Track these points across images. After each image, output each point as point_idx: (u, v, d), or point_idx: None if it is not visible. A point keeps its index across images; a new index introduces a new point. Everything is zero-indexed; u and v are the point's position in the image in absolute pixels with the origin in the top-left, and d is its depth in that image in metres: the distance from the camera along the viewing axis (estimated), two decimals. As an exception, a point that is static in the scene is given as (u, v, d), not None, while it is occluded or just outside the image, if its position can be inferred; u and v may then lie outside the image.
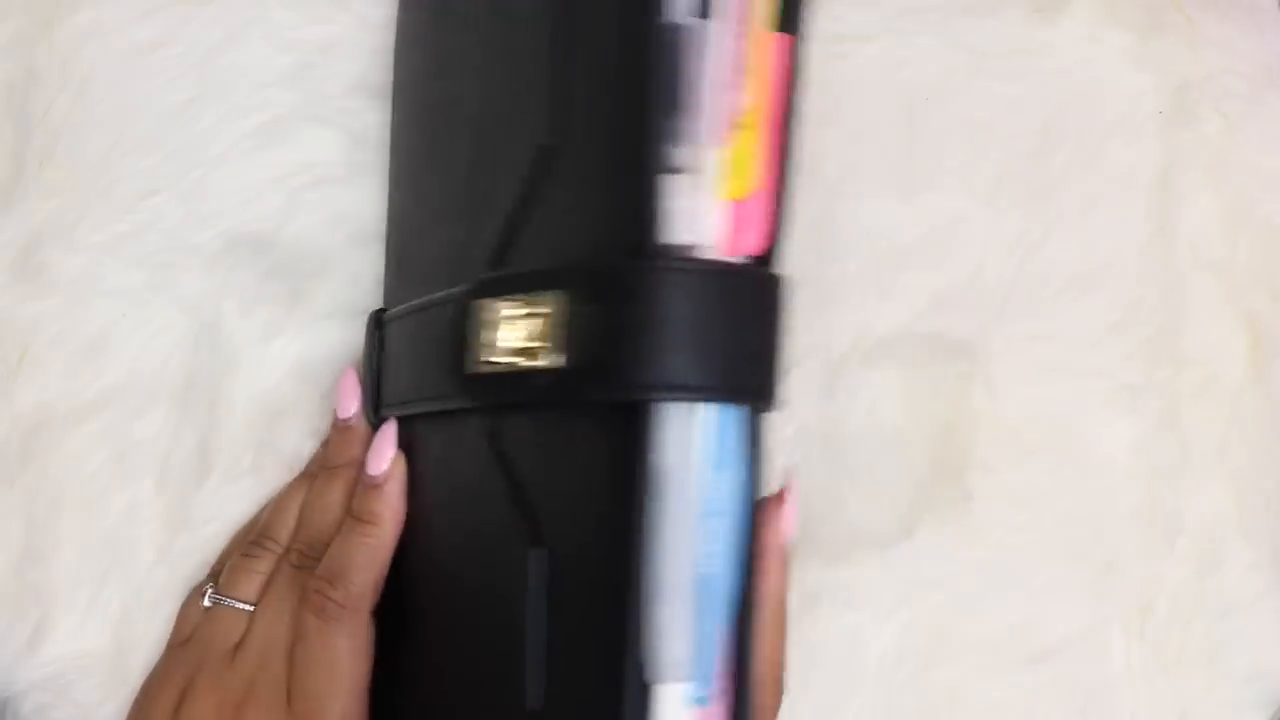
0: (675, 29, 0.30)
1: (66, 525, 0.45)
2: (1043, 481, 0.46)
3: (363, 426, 0.43)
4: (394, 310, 0.42)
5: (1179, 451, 0.47)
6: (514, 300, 0.33)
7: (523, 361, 0.33)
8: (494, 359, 0.34)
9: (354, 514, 0.40)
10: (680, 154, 0.30)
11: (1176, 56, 0.49)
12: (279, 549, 0.42)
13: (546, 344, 0.32)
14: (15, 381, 0.46)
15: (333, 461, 0.43)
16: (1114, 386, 0.47)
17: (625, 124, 0.31)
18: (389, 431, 0.41)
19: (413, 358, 0.39)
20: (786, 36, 0.32)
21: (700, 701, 0.30)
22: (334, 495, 0.41)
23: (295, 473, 0.45)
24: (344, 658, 0.38)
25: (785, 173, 0.32)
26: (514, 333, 0.33)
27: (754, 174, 0.31)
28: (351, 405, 0.43)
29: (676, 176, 0.30)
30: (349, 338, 0.46)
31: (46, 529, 0.45)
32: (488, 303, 0.34)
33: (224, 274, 0.46)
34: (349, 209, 0.47)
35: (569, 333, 0.31)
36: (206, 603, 0.41)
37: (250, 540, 0.42)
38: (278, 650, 0.39)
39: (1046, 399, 0.47)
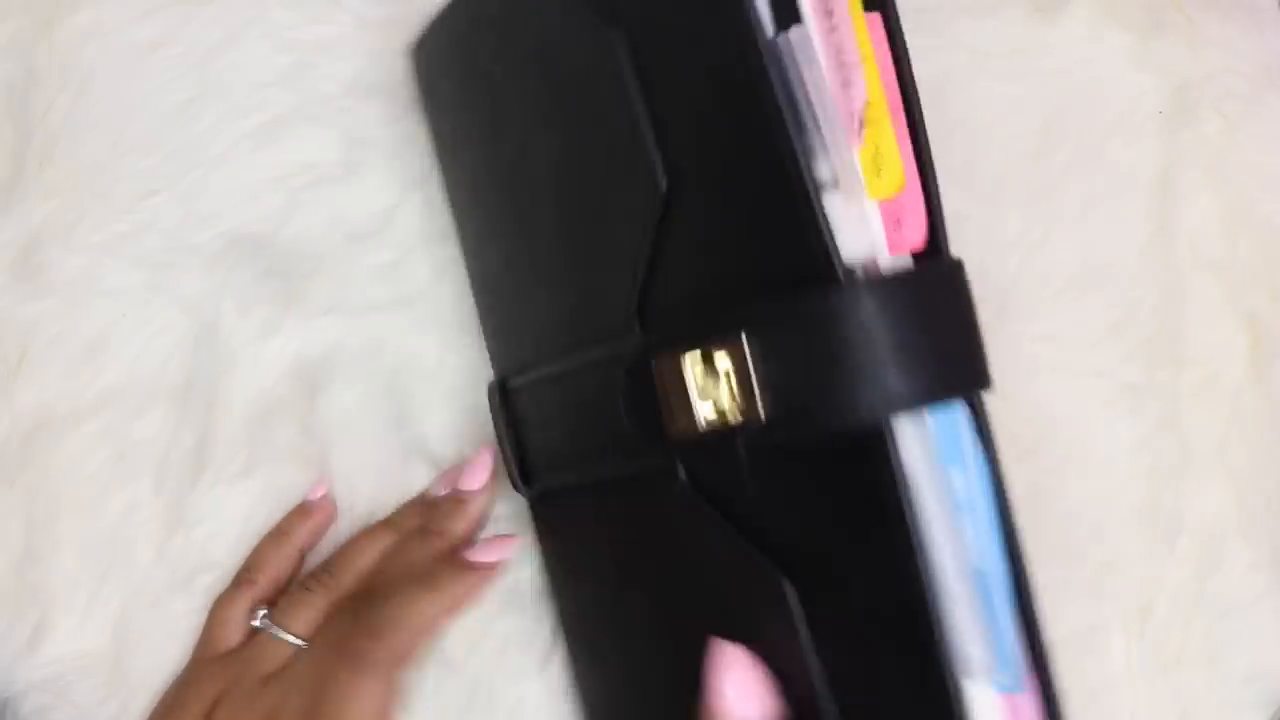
0: (780, 41, 0.29)
1: (66, 525, 0.45)
2: (1043, 481, 0.46)
3: (480, 502, 0.43)
4: (524, 378, 0.41)
5: (1179, 452, 0.47)
6: (694, 352, 0.31)
7: (726, 417, 0.31)
8: (697, 418, 0.32)
9: (427, 577, 0.40)
10: (824, 167, 0.29)
11: (1177, 56, 0.49)
12: (339, 589, 0.41)
13: (743, 393, 0.30)
14: (15, 382, 0.46)
15: (435, 526, 0.42)
16: (1114, 387, 0.47)
17: (758, 151, 0.30)
18: (512, 542, 0.42)
19: (577, 423, 0.38)
20: (878, 14, 0.31)
21: (1010, 688, 0.30)
22: (421, 557, 0.41)
23: (293, 472, 0.46)
24: (361, 710, 0.38)
25: (926, 157, 0.31)
26: (709, 386, 0.31)
27: (894, 166, 0.30)
28: (480, 479, 0.43)
29: (830, 191, 0.29)
30: (346, 337, 0.46)
31: (46, 529, 0.45)
32: (668, 358, 0.32)
33: (223, 274, 0.46)
34: (347, 209, 0.47)
35: (768, 375, 0.30)
36: (257, 623, 0.41)
37: (312, 573, 0.42)
38: (307, 687, 0.39)
39: (1046, 399, 0.47)
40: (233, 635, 0.42)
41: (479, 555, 0.41)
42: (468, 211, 0.43)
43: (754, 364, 0.30)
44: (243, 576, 0.43)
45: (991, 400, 0.46)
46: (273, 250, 0.47)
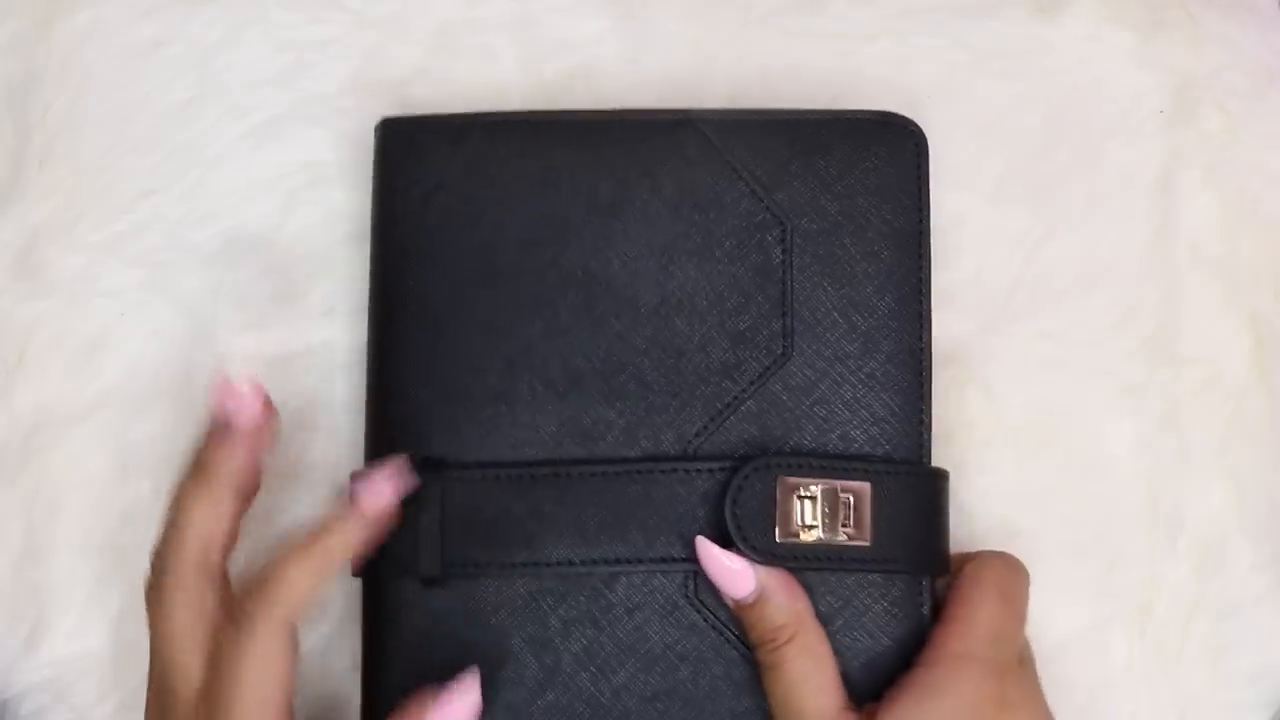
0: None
1: (65, 525, 0.45)
2: (1043, 481, 0.46)
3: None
4: (488, 471, 0.40)
5: (1180, 451, 0.47)
6: (814, 480, 0.40)
7: (833, 537, 0.39)
8: (805, 531, 0.39)
9: (312, 531, 0.39)
10: None
11: (1178, 55, 0.49)
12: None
13: (849, 523, 0.39)
14: (15, 382, 0.46)
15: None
16: (1115, 386, 0.47)
17: (908, 335, 0.41)
18: (398, 468, 0.40)
19: (605, 518, 0.40)
20: None
21: None
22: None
23: (286, 474, 0.46)
24: (253, 668, 0.37)
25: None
26: (814, 509, 0.39)
27: None
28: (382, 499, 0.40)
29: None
30: (344, 336, 0.46)
31: (45, 529, 0.45)
32: (786, 480, 0.40)
33: (221, 273, 0.47)
34: (345, 208, 0.47)
35: (876, 515, 0.39)
36: None
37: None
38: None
39: (1047, 399, 0.46)
40: None
41: (364, 499, 0.39)
42: (445, 294, 0.42)
43: (874, 503, 0.40)
44: None
45: (993, 400, 0.46)
46: (271, 249, 0.47)
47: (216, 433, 0.40)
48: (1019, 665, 0.40)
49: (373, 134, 0.43)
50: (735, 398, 0.41)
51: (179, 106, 0.47)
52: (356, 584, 0.42)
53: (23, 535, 0.45)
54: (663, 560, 0.40)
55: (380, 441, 0.41)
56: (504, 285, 0.41)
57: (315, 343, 0.46)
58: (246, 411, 0.40)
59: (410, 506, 0.40)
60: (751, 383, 0.41)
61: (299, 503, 0.46)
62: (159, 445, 0.46)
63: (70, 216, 0.47)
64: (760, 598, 0.39)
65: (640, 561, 0.40)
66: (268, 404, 0.40)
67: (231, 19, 0.48)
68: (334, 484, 0.46)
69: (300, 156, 0.47)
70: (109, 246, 0.47)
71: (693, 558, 0.39)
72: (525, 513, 0.40)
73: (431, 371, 0.41)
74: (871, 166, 0.42)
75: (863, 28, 0.48)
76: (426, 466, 0.40)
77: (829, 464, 0.40)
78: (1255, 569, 0.46)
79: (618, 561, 0.40)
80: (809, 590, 0.40)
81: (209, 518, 0.39)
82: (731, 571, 0.39)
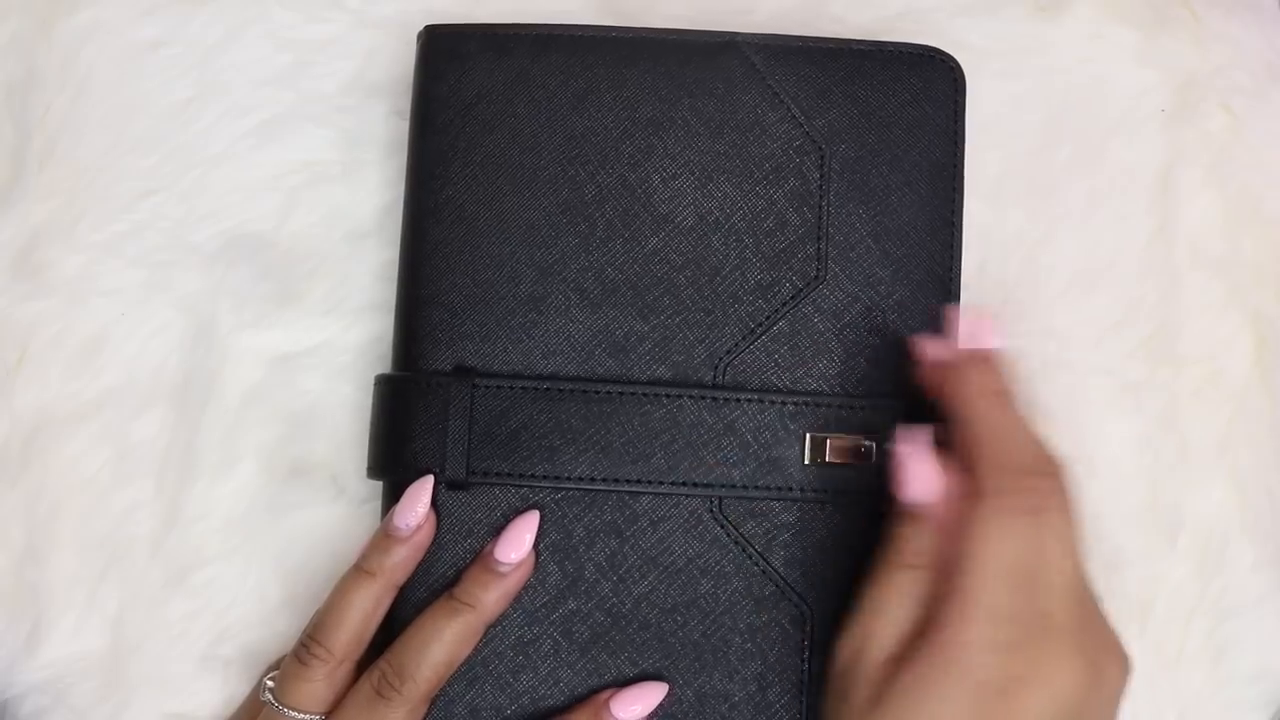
0: None
1: (65, 525, 0.45)
2: (1044, 481, 0.46)
3: (520, 576, 0.40)
4: (516, 382, 0.41)
5: (1180, 451, 0.47)
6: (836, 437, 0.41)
7: (853, 460, 0.41)
8: (833, 456, 0.41)
9: (456, 596, 0.39)
10: None
11: (1181, 52, 0.49)
12: (332, 659, 0.39)
13: (871, 458, 0.41)
14: (15, 382, 0.46)
15: (466, 597, 0.40)
16: (1116, 385, 0.47)
17: (939, 266, 0.42)
18: (532, 520, 0.40)
19: (629, 438, 0.41)
20: None
21: None
22: (455, 630, 0.39)
23: (287, 473, 0.45)
24: None
25: None
26: (836, 448, 0.41)
27: None
28: (521, 549, 0.40)
29: None
30: (345, 335, 0.46)
31: (46, 529, 0.45)
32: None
33: (221, 273, 0.47)
34: (346, 207, 0.47)
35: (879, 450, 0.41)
36: (265, 696, 0.40)
37: (301, 641, 0.40)
38: None
39: (1048, 397, 0.46)
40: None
41: (506, 553, 0.39)
42: (483, 202, 0.43)
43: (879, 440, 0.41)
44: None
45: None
46: (272, 249, 0.47)
47: (390, 537, 0.40)
48: (1042, 630, 0.36)
49: (415, 41, 0.44)
50: (768, 317, 0.42)
51: (179, 106, 0.47)
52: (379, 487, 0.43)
53: (23, 535, 0.45)
54: (683, 484, 0.40)
55: (410, 348, 0.42)
56: (542, 195, 0.42)
57: (315, 343, 0.46)
58: (423, 525, 0.40)
59: (439, 410, 0.41)
60: (784, 303, 0.42)
61: (299, 503, 0.46)
62: (158, 445, 0.46)
63: (70, 216, 0.47)
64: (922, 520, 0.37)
65: (661, 484, 0.40)
66: (430, 516, 0.40)
67: (231, 19, 0.48)
68: (335, 484, 0.46)
69: (300, 156, 0.47)
70: (109, 246, 0.47)
71: (713, 484, 0.40)
72: (550, 426, 0.41)
73: (465, 277, 0.42)
74: (910, 99, 0.43)
75: (863, 28, 0.48)
76: (457, 373, 0.41)
77: (851, 411, 0.41)
78: (1255, 569, 0.46)
79: (638, 483, 0.40)
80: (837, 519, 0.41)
81: (371, 609, 0.40)
82: (929, 483, 0.37)
